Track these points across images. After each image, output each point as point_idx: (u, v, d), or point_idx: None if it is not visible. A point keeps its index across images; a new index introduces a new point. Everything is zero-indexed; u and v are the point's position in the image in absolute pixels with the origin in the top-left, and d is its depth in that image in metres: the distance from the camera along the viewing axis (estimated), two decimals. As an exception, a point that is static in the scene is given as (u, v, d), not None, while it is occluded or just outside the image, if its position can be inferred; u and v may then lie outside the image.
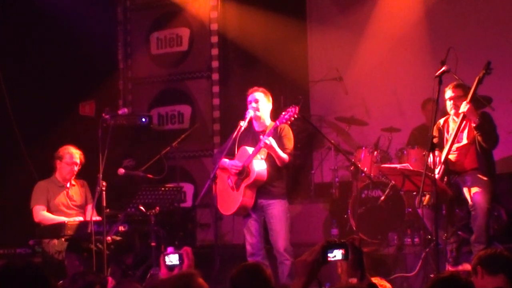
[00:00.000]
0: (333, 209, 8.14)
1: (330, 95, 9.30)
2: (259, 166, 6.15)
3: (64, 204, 6.76)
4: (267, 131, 6.10)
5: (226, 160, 6.29)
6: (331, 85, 9.12)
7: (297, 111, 5.97)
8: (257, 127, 6.36)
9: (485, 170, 6.15)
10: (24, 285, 2.99)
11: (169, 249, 3.95)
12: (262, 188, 6.22)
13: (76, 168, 6.80)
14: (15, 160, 7.76)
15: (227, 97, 9.31)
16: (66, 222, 6.41)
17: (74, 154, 6.78)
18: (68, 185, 6.83)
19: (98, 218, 6.36)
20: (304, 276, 2.86)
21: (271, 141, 6.01)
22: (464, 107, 6.06)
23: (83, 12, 8.76)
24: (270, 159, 6.18)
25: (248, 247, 6.27)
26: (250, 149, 6.20)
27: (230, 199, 6.27)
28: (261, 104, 6.28)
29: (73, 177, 6.84)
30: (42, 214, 6.63)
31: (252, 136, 6.32)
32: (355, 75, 9.10)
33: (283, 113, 6.03)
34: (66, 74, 8.64)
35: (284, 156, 6.12)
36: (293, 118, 6.01)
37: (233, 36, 9.22)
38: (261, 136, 6.06)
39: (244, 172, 6.18)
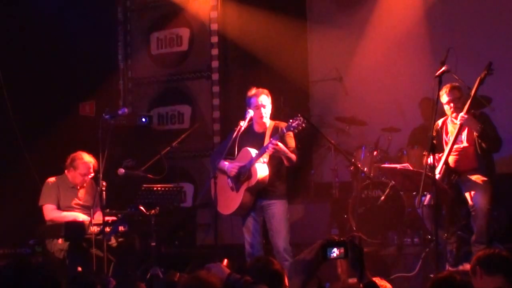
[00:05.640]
0: (333, 209, 8.14)
1: (330, 95, 9.30)
2: (262, 170, 6.14)
3: (73, 204, 6.75)
4: (276, 135, 6.04)
5: (226, 163, 6.29)
6: (331, 85, 9.12)
7: (305, 121, 5.96)
8: (256, 128, 6.36)
9: (485, 171, 6.15)
10: (36, 286, 3.01)
11: None
12: (262, 189, 6.22)
13: (89, 177, 6.79)
14: (15, 160, 7.76)
15: (227, 97, 9.30)
16: (68, 221, 6.42)
17: (89, 164, 6.72)
18: (78, 186, 6.82)
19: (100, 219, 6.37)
20: (303, 274, 2.87)
21: (280, 144, 6.02)
22: (461, 119, 6.04)
23: (83, 12, 8.77)
24: (271, 160, 6.18)
25: (247, 247, 6.27)
26: (252, 151, 6.19)
27: (229, 199, 6.27)
28: (268, 109, 6.28)
29: (84, 183, 6.84)
30: (53, 213, 6.63)
31: (252, 137, 6.31)
32: (355, 75, 9.10)
33: (291, 120, 5.99)
34: (66, 74, 8.64)
35: (293, 156, 6.14)
36: (300, 128, 5.99)
37: (233, 36, 9.21)
38: (271, 139, 6.04)
39: (245, 174, 6.18)
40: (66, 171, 6.81)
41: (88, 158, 6.74)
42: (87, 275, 3.83)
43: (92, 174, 6.76)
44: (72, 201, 6.75)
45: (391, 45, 8.92)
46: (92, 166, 6.72)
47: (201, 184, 9.06)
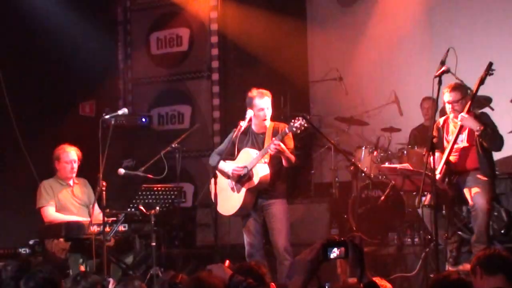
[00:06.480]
0: (333, 209, 8.13)
1: (330, 95, 9.31)
2: (263, 171, 6.13)
3: (70, 202, 6.77)
4: (278, 136, 6.05)
5: (226, 164, 6.28)
6: (331, 85, 9.12)
7: (307, 123, 5.96)
8: (256, 128, 6.34)
9: (485, 171, 6.14)
10: (36, 286, 3.02)
11: None
12: (263, 189, 6.22)
13: (75, 165, 6.80)
14: (15, 160, 7.76)
15: (227, 97, 9.30)
16: (68, 221, 6.42)
17: (70, 151, 6.78)
18: (71, 183, 6.83)
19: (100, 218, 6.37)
20: (303, 274, 2.87)
21: (281, 144, 6.02)
22: (462, 119, 6.03)
23: (83, 12, 8.76)
24: (272, 160, 6.18)
25: (247, 247, 6.27)
26: (253, 152, 6.18)
27: (231, 200, 6.26)
28: (270, 111, 6.26)
29: (74, 174, 6.84)
30: (53, 215, 6.64)
31: (252, 137, 6.31)
32: (355, 75, 9.10)
33: (293, 121, 5.98)
34: (66, 74, 8.64)
35: (292, 156, 6.14)
36: (303, 128, 5.99)
37: (233, 36, 9.21)
38: (273, 139, 6.03)
39: (246, 175, 6.17)
40: (56, 168, 6.82)
41: (69, 148, 6.80)
42: (87, 275, 3.82)
43: (78, 163, 6.78)
44: (68, 200, 6.76)
45: (391, 45, 8.93)
46: (75, 153, 6.77)
47: (201, 184, 9.06)
